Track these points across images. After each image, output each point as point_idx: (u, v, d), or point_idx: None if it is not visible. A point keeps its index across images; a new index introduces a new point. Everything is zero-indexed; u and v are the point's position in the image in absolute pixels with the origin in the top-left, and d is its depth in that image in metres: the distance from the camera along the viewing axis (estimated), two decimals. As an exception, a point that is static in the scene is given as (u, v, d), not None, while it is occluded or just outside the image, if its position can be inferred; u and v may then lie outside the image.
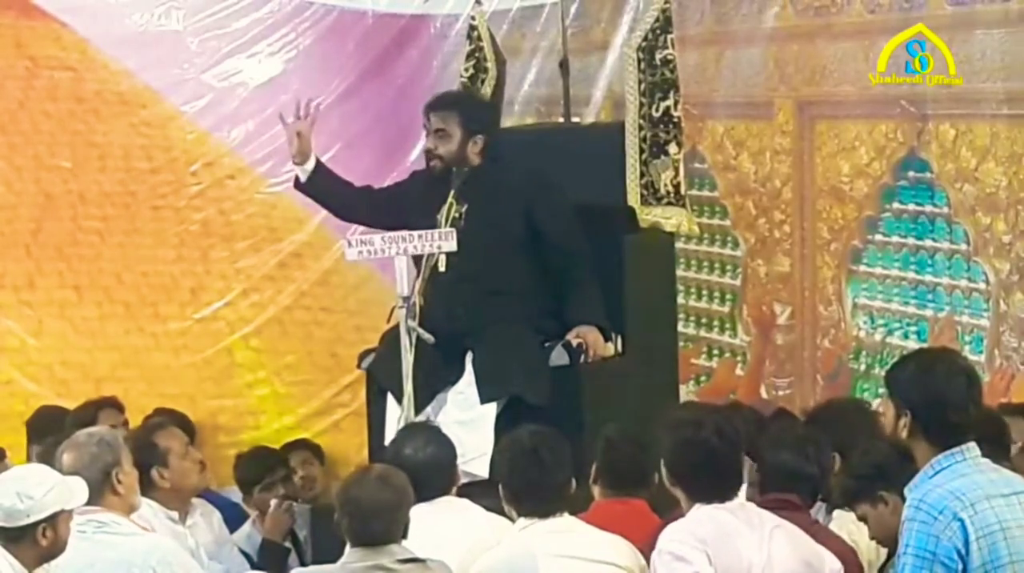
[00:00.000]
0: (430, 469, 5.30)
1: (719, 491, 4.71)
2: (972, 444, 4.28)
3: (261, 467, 7.49)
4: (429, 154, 6.66)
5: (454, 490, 5.41)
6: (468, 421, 6.31)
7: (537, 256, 6.55)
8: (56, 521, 4.74)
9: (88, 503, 5.06)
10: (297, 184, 6.90)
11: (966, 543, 4.13)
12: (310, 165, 6.81)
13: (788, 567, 4.65)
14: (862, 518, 5.28)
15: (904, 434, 4.31)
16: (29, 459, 7.07)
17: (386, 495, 4.70)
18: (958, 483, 4.20)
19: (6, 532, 4.74)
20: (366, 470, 5.04)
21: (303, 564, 6.74)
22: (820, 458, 5.24)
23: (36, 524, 4.72)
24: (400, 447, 5.42)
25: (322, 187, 6.87)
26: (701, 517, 4.68)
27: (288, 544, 7.11)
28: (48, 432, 7.09)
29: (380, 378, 6.63)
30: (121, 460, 5.26)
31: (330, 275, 8.43)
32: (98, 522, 5.07)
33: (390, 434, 6.38)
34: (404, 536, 4.73)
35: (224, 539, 6.89)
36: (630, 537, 5.05)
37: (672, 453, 4.80)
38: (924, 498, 4.19)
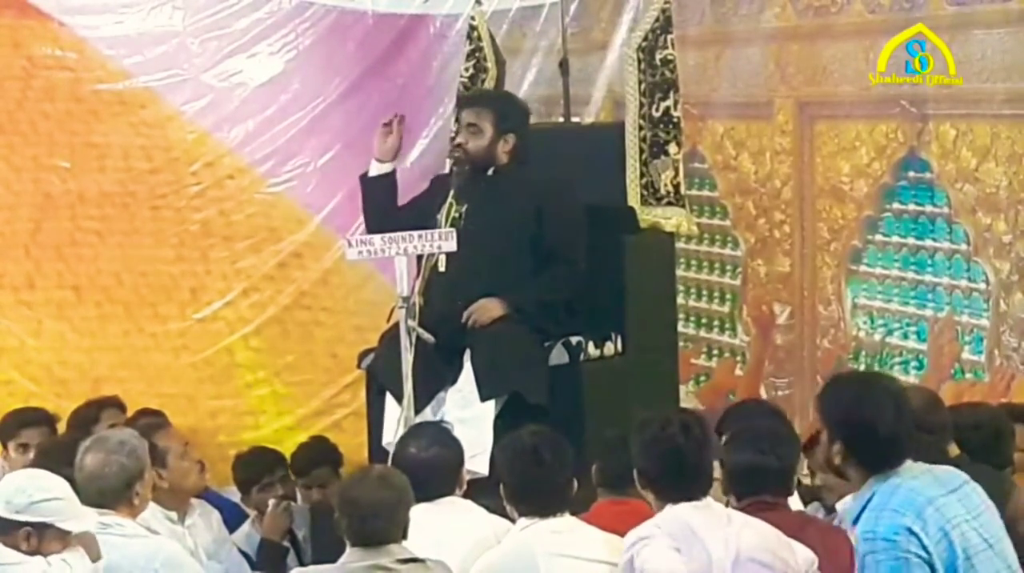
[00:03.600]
0: (435, 469, 5.30)
1: (686, 490, 4.72)
2: (906, 462, 4.29)
3: (259, 467, 7.47)
4: (457, 148, 6.67)
5: (459, 492, 5.41)
6: (467, 419, 6.30)
7: (538, 257, 6.56)
8: (44, 533, 4.72)
9: (102, 507, 5.07)
10: (364, 176, 6.90)
11: (927, 552, 4.16)
12: (388, 167, 6.83)
13: (756, 563, 4.67)
14: None
15: (838, 460, 4.34)
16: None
17: (385, 494, 4.71)
18: (896, 499, 4.22)
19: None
20: (366, 470, 5.06)
21: (302, 564, 6.74)
22: (777, 449, 5.24)
23: (22, 524, 4.71)
24: (406, 446, 5.42)
25: (380, 193, 6.84)
26: (666, 516, 4.69)
27: (287, 544, 7.10)
28: (21, 427, 7.13)
29: (380, 377, 6.63)
30: (144, 471, 5.27)
31: (330, 275, 8.42)
32: (102, 524, 5.07)
33: (388, 433, 6.40)
34: (404, 536, 4.73)
35: (223, 539, 6.88)
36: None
37: (640, 452, 4.83)
38: (875, 529, 4.21)
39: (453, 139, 6.86)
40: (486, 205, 6.55)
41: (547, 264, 6.55)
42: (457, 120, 6.75)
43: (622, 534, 5.02)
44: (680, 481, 4.73)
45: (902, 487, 4.21)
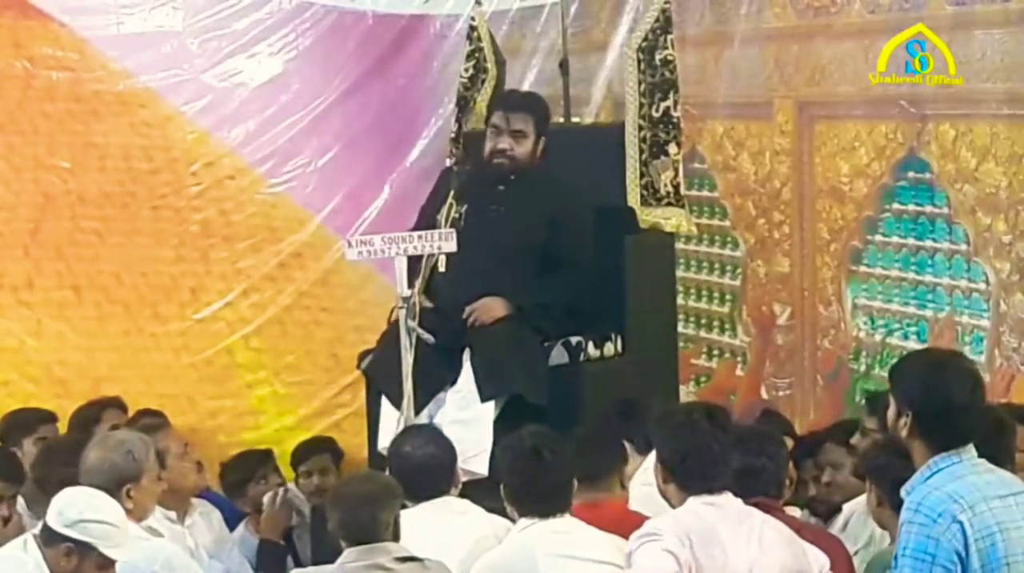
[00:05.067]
0: (430, 469, 5.31)
1: (710, 477, 4.70)
2: (970, 446, 4.26)
3: (250, 464, 7.48)
4: (500, 154, 6.61)
5: (454, 491, 5.41)
6: (466, 419, 6.30)
7: (545, 259, 6.55)
8: (86, 555, 4.69)
9: None
10: None
11: (966, 546, 4.11)
12: None
13: (781, 563, 4.66)
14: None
15: (904, 433, 4.28)
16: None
17: (372, 487, 4.81)
18: (956, 485, 4.18)
19: (44, 532, 4.75)
20: (353, 473, 5.11)
21: (299, 565, 6.74)
22: (767, 449, 5.25)
23: (66, 538, 4.69)
24: (400, 449, 5.43)
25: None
26: (687, 512, 4.68)
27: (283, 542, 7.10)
28: (30, 427, 7.12)
29: (376, 380, 6.62)
30: (142, 476, 5.24)
31: (330, 275, 8.43)
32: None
33: (384, 437, 6.38)
34: (396, 537, 4.75)
35: (224, 538, 6.88)
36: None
37: (665, 442, 4.81)
38: (923, 501, 4.16)
39: (491, 143, 6.67)
40: (504, 206, 6.53)
41: (553, 266, 6.55)
42: (493, 124, 6.66)
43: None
44: (706, 468, 4.71)
45: (965, 479, 4.18)
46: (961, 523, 4.11)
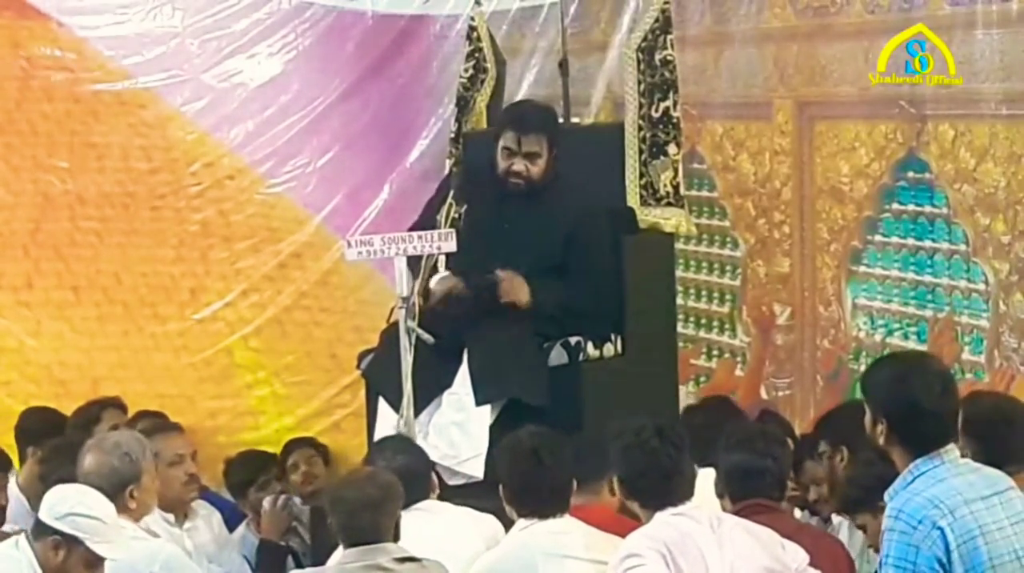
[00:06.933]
0: (406, 478, 5.26)
1: (669, 493, 4.74)
2: (951, 446, 4.24)
3: (254, 467, 7.48)
4: (515, 175, 6.54)
5: (433, 496, 5.40)
6: (463, 422, 6.28)
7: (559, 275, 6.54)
8: (73, 549, 4.72)
9: None
10: None
11: (947, 551, 4.09)
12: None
13: (751, 565, 4.66)
14: (861, 527, 5.29)
15: (882, 440, 4.26)
16: (23, 462, 7.05)
17: (372, 491, 4.77)
18: (936, 489, 4.15)
19: (35, 525, 4.78)
20: (353, 471, 5.19)
21: (299, 565, 6.74)
22: (771, 450, 5.24)
23: (55, 531, 4.71)
24: (373, 463, 5.40)
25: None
26: (659, 524, 4.70)
27: (283, 543, 7.08)
28: (43, 434, 7.09)
29: (375, 383, 6.59)
30: (141, 475, 5.24)
31: (330, 275, 8.42)
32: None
33: (381, 439, 6.36)
34: (396, 537, 4.74)
35: (224, 540, 6.88)
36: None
37: (619, 462, 4.85)
38: (903, 508, 4.14)
39: (505, 163, 6.58)
40: (520, 228, 6.49)
41: (567, 280, 6.51)
42: (505, 147, 6.56)
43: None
44: (661, 484, 4.73)
45: (946, 482, 4.15)
46: (942, 529, 4.09)
